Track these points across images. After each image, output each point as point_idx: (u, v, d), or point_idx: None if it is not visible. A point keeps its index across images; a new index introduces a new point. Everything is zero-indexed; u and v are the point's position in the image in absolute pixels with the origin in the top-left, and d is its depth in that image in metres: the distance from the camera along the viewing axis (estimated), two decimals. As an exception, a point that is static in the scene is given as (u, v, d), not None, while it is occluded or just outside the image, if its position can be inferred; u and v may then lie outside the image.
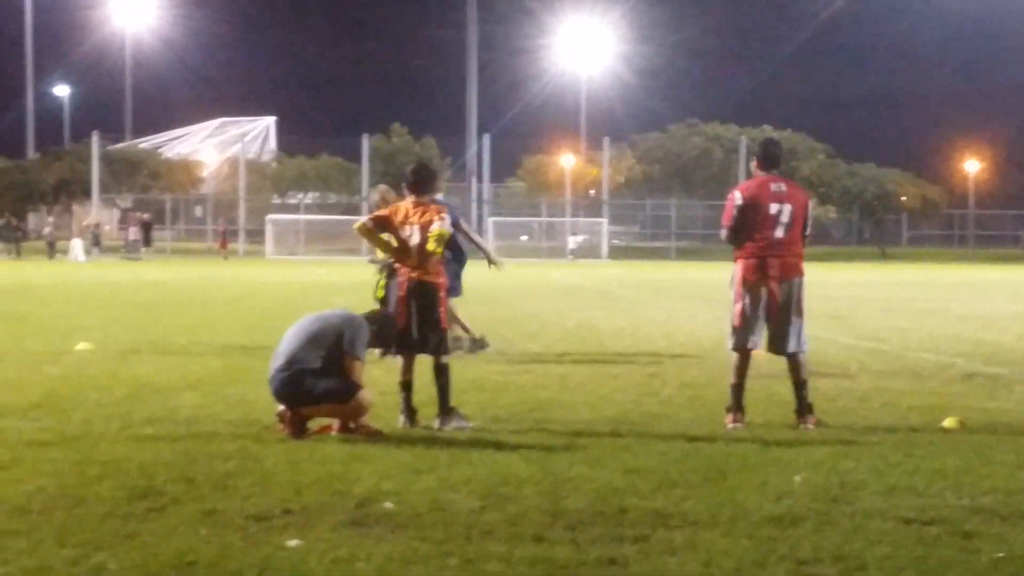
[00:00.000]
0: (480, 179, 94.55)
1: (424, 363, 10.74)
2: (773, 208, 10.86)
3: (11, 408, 11.35)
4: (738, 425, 10.75)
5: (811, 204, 11.29)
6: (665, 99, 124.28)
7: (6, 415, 10.97)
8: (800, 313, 11.06)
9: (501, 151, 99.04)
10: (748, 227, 10.89)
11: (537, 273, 51.71)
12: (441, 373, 10.70)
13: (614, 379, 13.99)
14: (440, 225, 10.66)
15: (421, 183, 10.96)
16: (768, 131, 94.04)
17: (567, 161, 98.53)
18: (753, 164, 11.35)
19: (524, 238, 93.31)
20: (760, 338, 11.07)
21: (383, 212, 11.05)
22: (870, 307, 28.55)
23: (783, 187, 11.01)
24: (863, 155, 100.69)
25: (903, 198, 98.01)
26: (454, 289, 21.23)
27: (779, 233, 10.86)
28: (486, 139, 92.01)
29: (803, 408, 10.88)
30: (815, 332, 20.23)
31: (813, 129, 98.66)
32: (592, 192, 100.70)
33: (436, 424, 10.50)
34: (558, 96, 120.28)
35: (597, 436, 10.12)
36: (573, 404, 12.01)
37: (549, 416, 11.19)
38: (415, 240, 10.70)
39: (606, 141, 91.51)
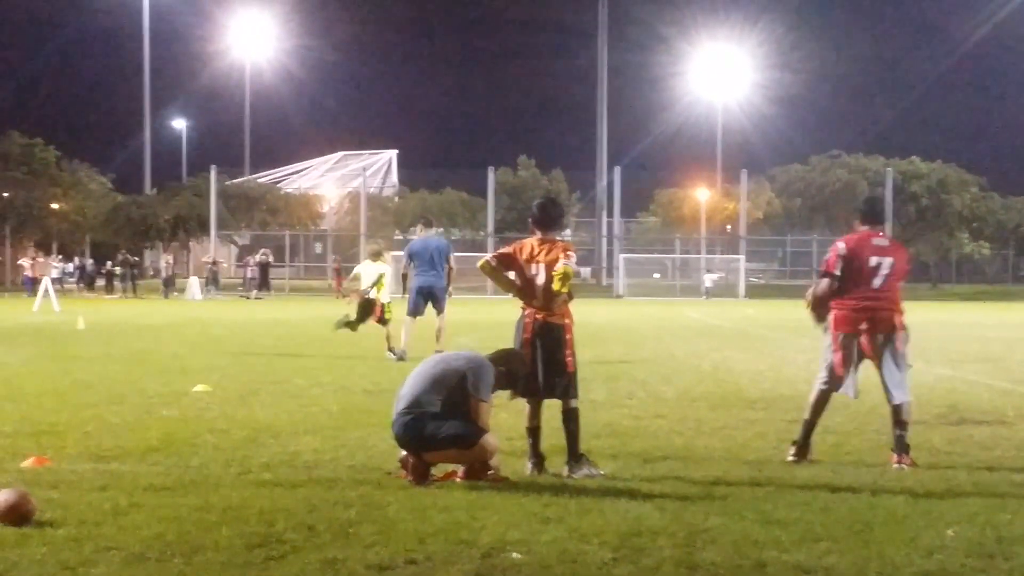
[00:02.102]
0: (611, 214, 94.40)
1: (552, 407, 10.42)
2: (873, 261, 11.04)
3: (128, 451, 11.26)
4: (797, 459, 11.00)
5: (908, 259, 11.45)
6: (806, 130, 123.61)
7: (123, 458, 10.88)
8: (899, 364, 11.08)
9: (632, 184, 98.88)
10: (848, 278, 11.04)
11: (671, 312, 51.35)
12: (570, 418, 10.37)
13: (752, 425, 13.58)
14: (565, 263, 10.32)
15: (548, 219, 10.68)
16: (916, 163, 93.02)
17: (702, 195, 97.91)
18: (856, 221, 11.50)
19: (656, 275, 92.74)
20: (853, 387, 11.16)
21: (508, 249, 10.74)
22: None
23: (885, 242, 11.24)
24: (1019, 187, 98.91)
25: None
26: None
27: (876, 284, 11.01)
28: (617, 172, 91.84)
29: (900, 447, 10.88)
30: (968, 375, 19.92)
31: (965, 160, 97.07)
32: (728, 227, 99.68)
33: (565, 471, 10.16)
34: (692, 127, 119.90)
35: (735, 485, 9.76)
36: (709, 451, 11.65)
37: (684, 464, 10.84)
38: (541, 279, 10.40)
39: (743, 173, 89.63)
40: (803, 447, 11.13)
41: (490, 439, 9.72)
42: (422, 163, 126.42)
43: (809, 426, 11.20)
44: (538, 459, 10.33)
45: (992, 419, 14.23)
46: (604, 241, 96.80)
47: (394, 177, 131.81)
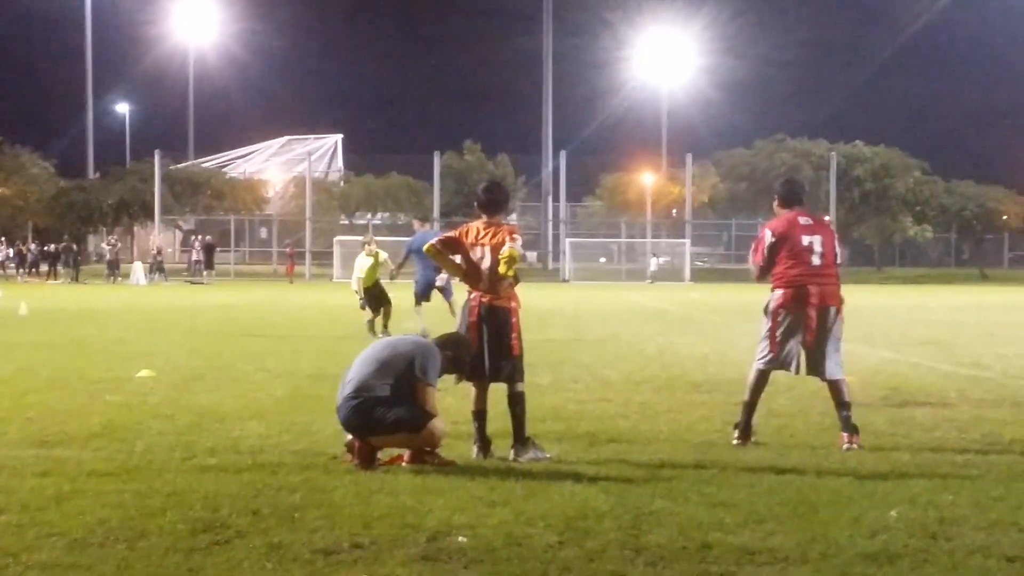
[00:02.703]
0: (556, 198, 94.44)
1: (498, 391, 10.41)
2: (805, 240, 11.12)
3: (71, 437, 11.16)
4: (741, 442, 11.06)
5: (836, 237, 11.51)
6: (751, 114, 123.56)
7: (66, 444, 10.79)
8: (838, 340, 11.22)
9: (578, 169, 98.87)
10: (784, 259, 11.12)
11: (616, 296, 51.43)
12: (516, 402, 10.35)
13: (697, 408, 13.61)
14: (511, 246, 10.27)
15: (493, 202, 10.67)
16: (860, 147, 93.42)
17: (647, 179, 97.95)
18: (775, 203, 11.58)
19: (602, 260, 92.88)
20: (797, 363, 11.21)
21: (453, 233, 10.72)
22: (970, 332, 27.82)
23: (811, 220, 11.34)
24: (962, 172, 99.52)
25: (1004, 217, 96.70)
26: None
27: (816, 262, 11.09)
28: (562, 156, 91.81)
29: (847, 427, 10.96)
30: (911, 358, 20.08)
31: (908, 145, 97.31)
32: (674, 212, 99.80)
33: (511, 455, 10.15)
34: (638, 112, 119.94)
35: (680, 468, 9.77)
36: (654, 434, 11.66)
37: (629, 447, 10.84)
38: (486, 263, 10.37)
39: (689, 158, 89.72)
40: (746, 429, 11.17)
41: (438, 424, 9.70)
42: (368, 147, 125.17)
43: (750, 408, 11.25)
44: (484, 443, 10.32)
45: (935, 401, 14.32)
46: (550, 225, 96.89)
47: (339, 161, 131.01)
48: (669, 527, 7.68)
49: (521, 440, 10.24)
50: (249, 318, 32.16)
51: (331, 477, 9.21)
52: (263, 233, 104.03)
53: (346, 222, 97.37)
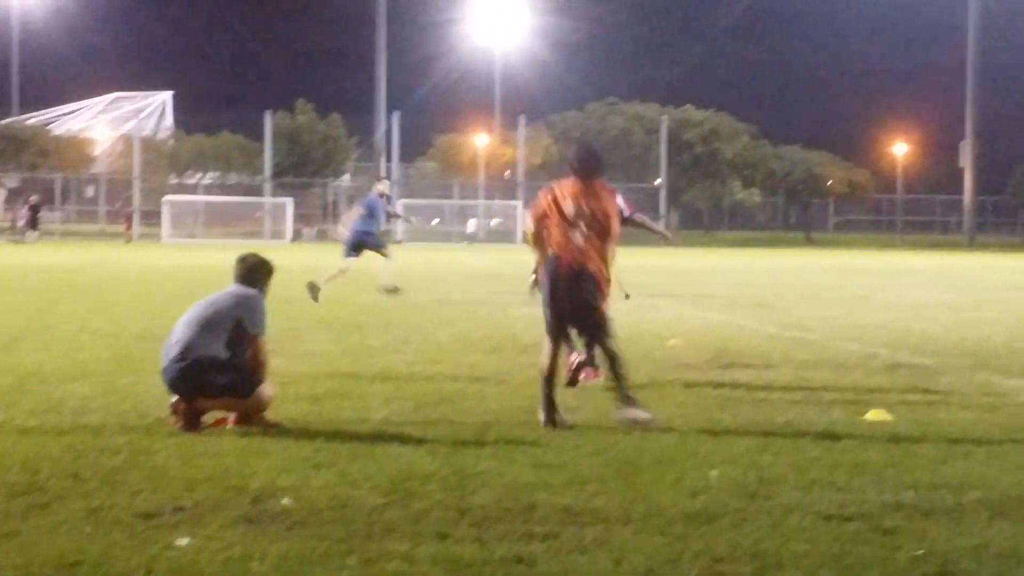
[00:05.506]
0: (389, 159, 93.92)
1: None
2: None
3: None
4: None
5: (620, 201, 11.35)
6: (584, 77, 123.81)
7: None
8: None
9: (411, 130, 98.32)
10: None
11: (449, 258, 51.49)
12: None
13: (527, 370, 13.53)
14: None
15: (592, 168, 10.69)
16: (690, 111, 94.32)
17: (481, 141, 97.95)
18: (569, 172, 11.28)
19: (436, 221, 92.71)
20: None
21: (542, 206, 10.62)
22: (795, 295, 28.36)
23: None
24: (789, 137, 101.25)
25: (830, 182, 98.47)
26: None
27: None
28: (395, 117, 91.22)
29: (590, 360, 12.05)
30: (737, 320, 20.41)
31: (737, 110, 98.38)
32: (507, 173, 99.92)
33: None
34: (471, 73, 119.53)
35: (507, 429, 9.82)
36: (483, 396, 11.68)
37: (458, 408, 10.87)
38: (588, 226, 10.39)
39: (521, 120, 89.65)
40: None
41: (266, 388, 9.66)
42: (198, 106, 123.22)
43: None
44: (552, 409, 10.19)
45: (759, 363, 14.57)
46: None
47: (169, 120, 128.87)
48: (494, 488, 7.73)
49: (626, 399, 10.28)
50: (75, 278, 31.54)
51: (155, 439, 9.10)
52: (90, 192, 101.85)
53: (176, 181, 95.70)
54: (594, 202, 10.48)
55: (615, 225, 10.59)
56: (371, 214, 24.10)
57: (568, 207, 10.43)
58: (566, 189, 10.57)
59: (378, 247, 24.47)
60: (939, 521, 7.16)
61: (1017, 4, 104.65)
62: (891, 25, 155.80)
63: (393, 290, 24.21)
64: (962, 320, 21.31)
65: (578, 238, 10.37)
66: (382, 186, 25.64)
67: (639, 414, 10.13)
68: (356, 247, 24.00)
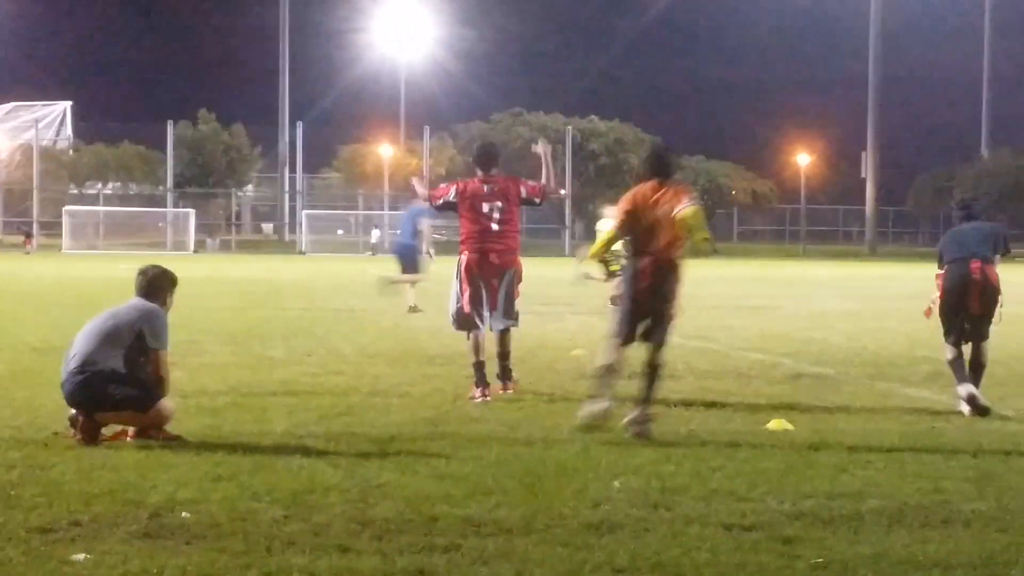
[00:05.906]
0: (293, 169, 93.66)
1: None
2: (486, 207, 12.30)
3: None
4: (486, 398, 11.97)
5: (523, 191, 12.71)
6: (489, 87, 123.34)
7: None
8: (515, 296, 12.60)
9: (316, 140, 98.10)
10: (468, 222, 12.31)
11: (353, 268, 51.25)
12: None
13: (431, 380, 13.63)
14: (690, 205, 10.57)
15: (666, 166, 10.90)
16: (595, 121, 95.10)
17: (385, 151, 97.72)
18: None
19: (340, 232, 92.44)
20: (486, 321, 12.45)
21: (622, 216, 10.79)
22: (698, 304, 28.34)
23: (496, 187, 12.49)
24: (693, 147, 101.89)
25: (733, 192, 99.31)
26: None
27: (495, 227, 12.27)
28: (299, 127, 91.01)
29: (505, 375, 12.63)
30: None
31: (641, 120, 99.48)
32: (412, 183, 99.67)
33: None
34: (376, 83, 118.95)
35: (410, 440, 9.80)
36: (386, 407, 11.64)
37: (360, 420, 10.82)
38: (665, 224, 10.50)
39: (426, 130, 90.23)
40: (484, 385, 12.17)
41: (166, 403, 9.58)
42: (98, 115, 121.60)
43: (480, 366, 12.29)
44: (643, 414, 10.42)
45: (663, 373, 14.58)
46: (287, 197, 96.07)
47: (68, 129, 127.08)
48: (396, 500, 7.71)
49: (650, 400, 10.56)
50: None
51: (52, 453, 8.98)
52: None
53: (76, 192, 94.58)
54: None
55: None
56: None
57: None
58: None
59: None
60: (838, 530, 7.23)
61: (917, 17, 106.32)
62: (794, 37, 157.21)
63: (391, 291, 25.24)
64: (863, 329, 21.56)
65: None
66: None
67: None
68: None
